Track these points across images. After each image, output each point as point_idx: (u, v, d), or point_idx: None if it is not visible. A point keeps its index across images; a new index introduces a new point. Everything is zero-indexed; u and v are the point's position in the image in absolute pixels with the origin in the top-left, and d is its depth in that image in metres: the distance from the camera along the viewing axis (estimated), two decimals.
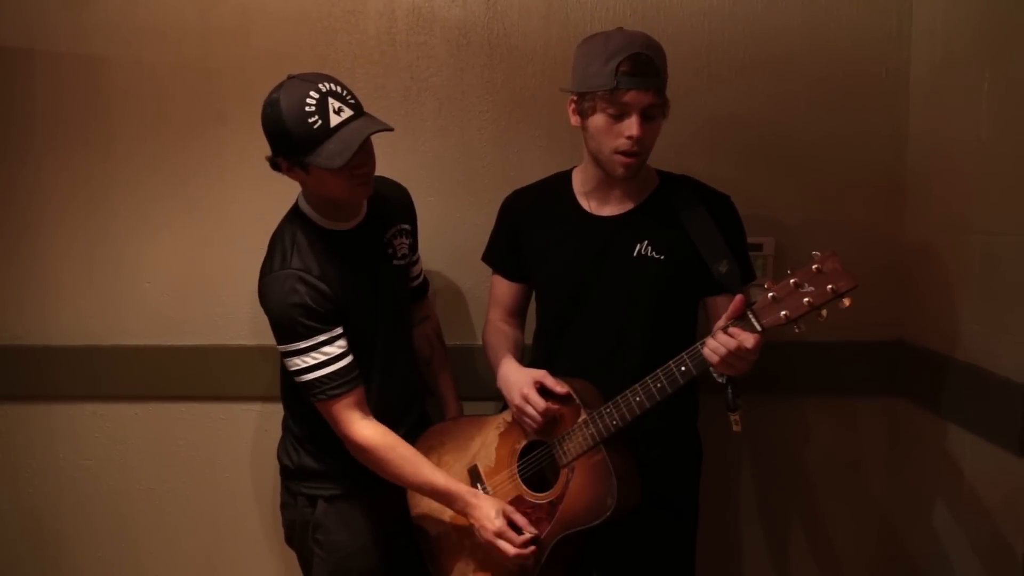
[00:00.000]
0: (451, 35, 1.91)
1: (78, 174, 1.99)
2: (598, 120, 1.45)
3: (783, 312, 1.27)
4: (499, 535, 1.48)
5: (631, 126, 1.41)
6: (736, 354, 1.30)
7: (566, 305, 1.58)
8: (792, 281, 1.27)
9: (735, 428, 1.38)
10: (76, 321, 2.02)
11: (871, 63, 1.86)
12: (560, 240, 1.58)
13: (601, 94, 1.42)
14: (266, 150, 1.90)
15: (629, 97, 1.40)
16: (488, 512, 1.49)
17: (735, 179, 1.83)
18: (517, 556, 1.47)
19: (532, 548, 1.48)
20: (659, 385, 1.39)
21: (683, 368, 1.37)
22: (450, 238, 1.91)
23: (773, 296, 1.29)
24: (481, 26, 1.91)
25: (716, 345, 1.32)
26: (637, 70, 1.40)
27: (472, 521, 1.52)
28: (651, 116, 1.44)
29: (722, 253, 1.46)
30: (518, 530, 1.50)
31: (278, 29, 1.93)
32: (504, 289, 1.71)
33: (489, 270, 1.75)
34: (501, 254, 1.71)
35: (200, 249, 2.00)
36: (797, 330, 1.28)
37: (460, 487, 1.52)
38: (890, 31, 1.85)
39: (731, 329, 1.31)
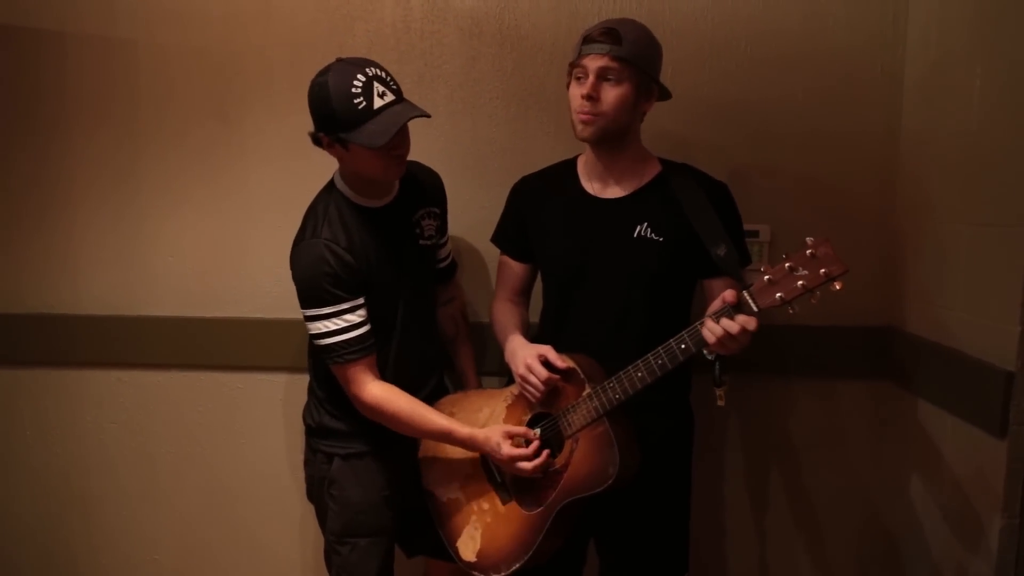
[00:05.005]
0: (464, 24, 1.90)
1: (105, 151, 1.99)
2: (572, 89, 1.51)
3: (778, 294, 1.28)
4: (512, 460, 1.50)
5: (584, 86, 1.45)
6: (734, 335, 1.31)
7: (569, 284, 1.58)
8: (787, 265, 1.28)
9: (719, 403, 1.41)
10: (101, 292, 2.02)
11: (867, 61, 1.84)
12: (563, 221, 1.59)
13: (572, 65, 1.50)
14: (285, 131, 1.92)
15: (586, 60, 1.46)
16: (494, 444, 1.51)
17: (735, 168, 1.83)
18: (535, 468, 1.50)
19: (545, 453, 1.50)
20: (660, 361, 1.40)
21: (683, 346, 1.38)
22: (460, 220, 1.89)
23: (769, 279, 1.29)
24: (493, 16, 1.89)
25: (714, 326, 1.33)
26: (596, 37, 1.45)
27: (485, 454, 1.55)
28: (606, 79, 1.45)
29: (720, 237, 1.46)
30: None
31: (298, 16, 1.91)
32: (511, 269, 1.72)
33: (496, 251, 1.75)
34: (509, 235, 1.71)
35: (220, 225, 2.00)
36: (791, 311, 1.29)
37: (463, 429, 1.54)
38: (886, 30, 1.83)
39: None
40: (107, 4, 1.94)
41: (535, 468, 1.50)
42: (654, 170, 1.58)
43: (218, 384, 2.04)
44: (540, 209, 1.63)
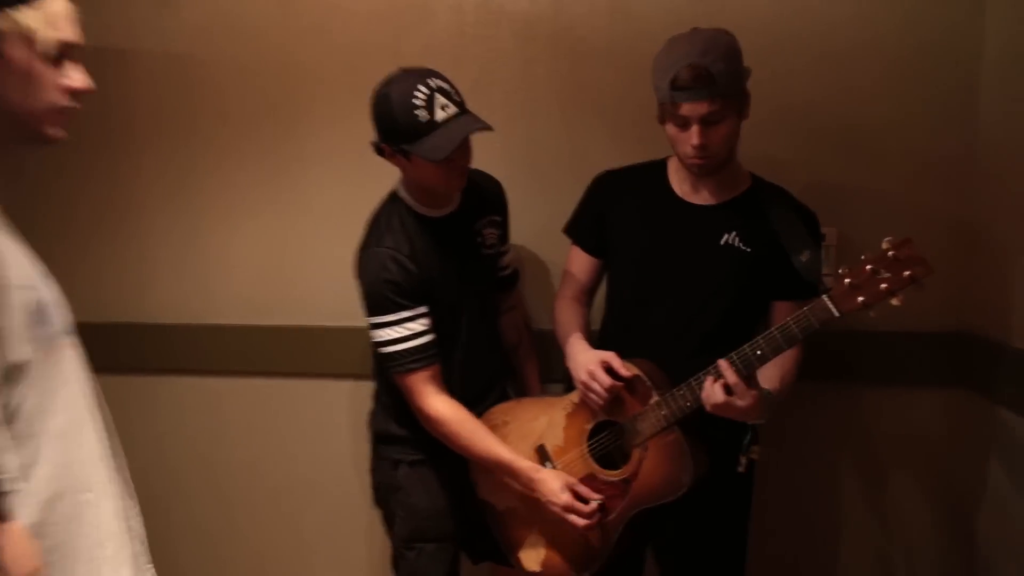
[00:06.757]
0: (517, 28, 1.87)
1: (174, 168, 2.02)
2: (670, 129, 1.45)
3: (860, 298, 1.24)
4: (567, 509, 1.47)
5: (692, 136, 1.41)
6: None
7: (646, 282, 1.55)
8: (868, 268, 1.23)
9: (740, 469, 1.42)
10: (174, 302, 2.06)
11: (942, 50, 1.74)
12: (647, 219, 1.56)
13: (666, 107, 1.43)
14: (345, 141, 1.92)
15: (685, 110, 1.39)
16: (553, 487, 1.49)
17: (801, 168, 1.76)
18: (587, 527, 1.46)
19: (599, 516, 1.47)
20: (735, 367, 1.36)
21: (759, 352, 1.34)
22: (519, 227, 1.86)
23: (850, 282, 1.24)
24: (547, 19, 1.86)
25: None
26: (689, 83, 1.37)
27: (538, 496, 1.51)
28: (712, 122, 1.40)
29: (804, 244, 1.41)
30: (583, 501, 1.48)
31: (354, 25, 1.91)
32: (581, 263, 1.66)
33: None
34: (586, 226, 1.66)
35: (284, 238, 2.01)
36: (873, 315, 1.24)
37: (524, 463, 1.52)
38: (962, 17, 1.72)
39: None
40: (169, 21, 1.95)
41: (588, 527, 1.47)
42: (745, 184, 1.55)
43: (284, 391, 2.05)
44: (623, 204, 1.59)
